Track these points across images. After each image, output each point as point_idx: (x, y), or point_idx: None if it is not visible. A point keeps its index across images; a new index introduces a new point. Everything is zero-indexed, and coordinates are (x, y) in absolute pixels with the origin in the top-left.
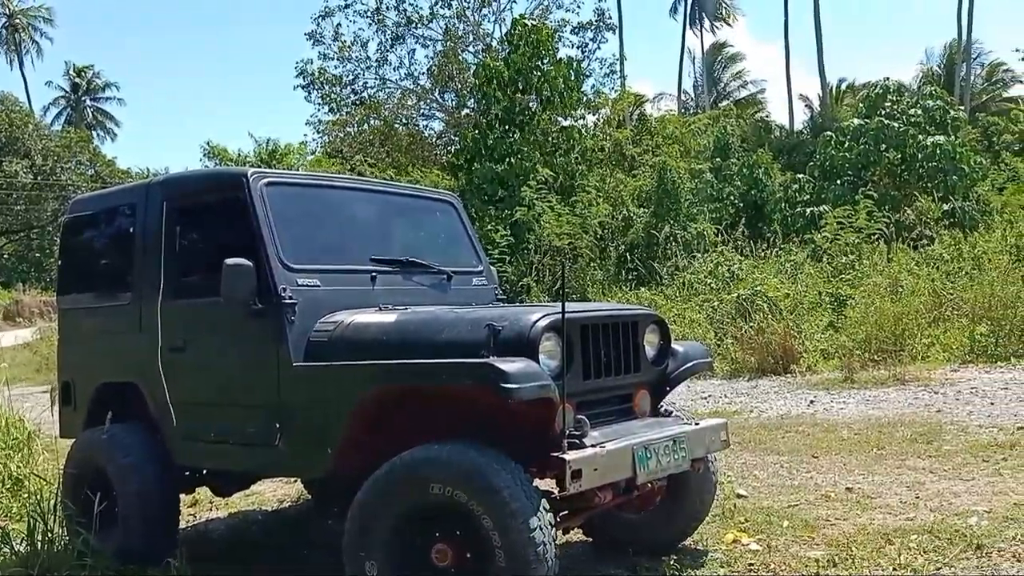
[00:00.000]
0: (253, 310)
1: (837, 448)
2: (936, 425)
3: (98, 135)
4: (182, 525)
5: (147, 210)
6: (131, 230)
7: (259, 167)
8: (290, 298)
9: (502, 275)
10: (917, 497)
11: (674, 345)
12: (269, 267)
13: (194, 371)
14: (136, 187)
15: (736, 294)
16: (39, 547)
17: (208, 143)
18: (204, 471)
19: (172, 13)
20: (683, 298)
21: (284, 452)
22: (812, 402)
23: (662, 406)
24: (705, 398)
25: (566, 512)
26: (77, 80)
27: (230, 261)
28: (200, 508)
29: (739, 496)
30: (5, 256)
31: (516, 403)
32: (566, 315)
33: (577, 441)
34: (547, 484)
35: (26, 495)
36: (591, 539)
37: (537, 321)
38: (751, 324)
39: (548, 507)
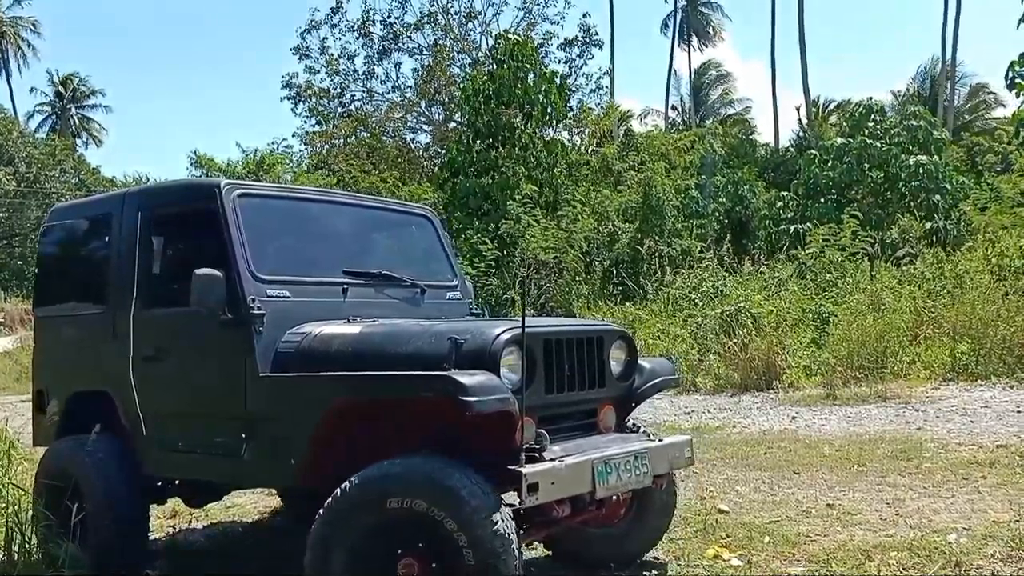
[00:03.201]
0: (222, 320)
1: (818, 464)
2: (916, 442)
3: (83, 143)
4: (161, 536)
5: (123, 220)
6: (107, 239)
7: (235, 178)
8: (259, 309)
9: (487, 288)
10: (897, 514)
11: (641, 361)
12: (239, 278)
13: (165, 381)
14: (112, 197)
15: (720, 310)
16: (15, 557)
17: (195, 152)
18: (176, 481)
19: (159, 23)
20: (667, 313)
21: (250, 463)
22: (794, 418)
23: (629, 421)
24: (688, 413)
25: (527, 526)
26: (61, 89)
27: (200, 271)
28: (180, 519)
29: (721, 511)
30: None
31: (475, 416)
32: (529, 329)
33: (536, 455)
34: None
35: (3, 505)
36: (552, 553)
37: (499, 335)
38: (735, 340)
39: (510, 514)
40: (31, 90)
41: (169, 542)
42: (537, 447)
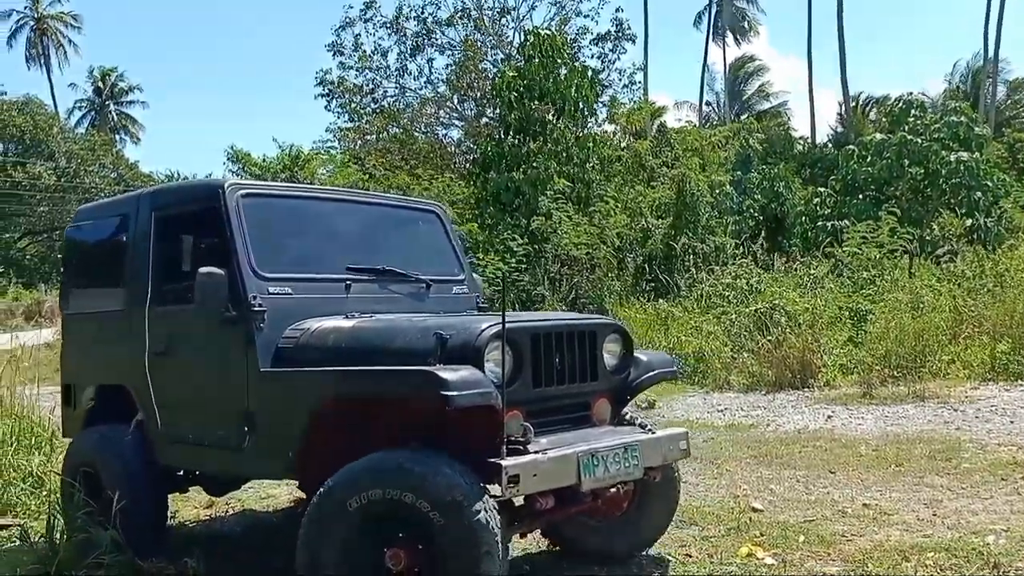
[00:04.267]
0: (226, 317)
1: (855, 464)
2: (955, 442)
3: (121, 139)
4: (196, 525)
5: (137, 220)
6: (124, 239)
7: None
8: (260, 306)
9: (518, 284)
10: (934, 514)
11: (638, 354)
12: (241, 275)
13: (175, 375)
14: (129, 198)
15: (754, 307)
16: (57, 544)
17: (232, 147)
18: (196, 471)
19: (198, 22)
20: (701, 310)
21: (252, 455)
22: (830, 417)
23: (627, 414)
24: (721, 411)
25: (519, 519)
26: (100, 84)
27: (203, 270)
28: (216, 509)
29: (755, 510)
30: (28, 257)
31: (457, 410)
32: (515, 324)
33: (520, 447)
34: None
35: (45, 493)
36: (558, 546)
37: (484, 330)
38: (769, 338)
39: (496, 507)
40: (70, 85)
41: (205, 531)
42: (522, 440)
